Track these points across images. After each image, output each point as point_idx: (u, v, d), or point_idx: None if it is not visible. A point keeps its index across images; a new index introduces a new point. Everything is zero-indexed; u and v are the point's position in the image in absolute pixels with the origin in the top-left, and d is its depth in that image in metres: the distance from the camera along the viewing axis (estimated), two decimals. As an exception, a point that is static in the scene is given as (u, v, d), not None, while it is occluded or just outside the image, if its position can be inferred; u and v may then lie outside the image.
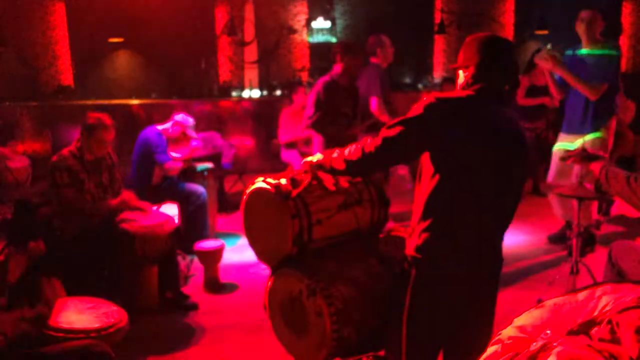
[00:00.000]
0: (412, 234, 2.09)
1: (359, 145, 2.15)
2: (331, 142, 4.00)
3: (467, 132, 1.98)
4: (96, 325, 2.60)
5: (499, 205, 2.09)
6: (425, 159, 2.07)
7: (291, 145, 6.25)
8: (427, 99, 2.03)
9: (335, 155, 2.27)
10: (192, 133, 4.85)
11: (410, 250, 2.09)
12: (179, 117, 4.82)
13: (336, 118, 4.46)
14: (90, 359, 2.31)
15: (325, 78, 4.58)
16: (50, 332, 2.49)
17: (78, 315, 2.68)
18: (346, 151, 2.21)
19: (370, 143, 2.10)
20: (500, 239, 2.15)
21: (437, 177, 2.00)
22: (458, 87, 2.14)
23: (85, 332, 2.53)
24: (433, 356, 2.20)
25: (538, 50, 6.52)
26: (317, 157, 2.39)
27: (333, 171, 2.30)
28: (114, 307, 2.80)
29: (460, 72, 2.13)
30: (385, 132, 2.06)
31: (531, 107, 6.32)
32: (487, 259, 2.12)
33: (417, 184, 2.12)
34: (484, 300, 2.15)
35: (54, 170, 3.66)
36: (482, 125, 2.01)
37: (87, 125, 3.72)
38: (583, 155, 2.68)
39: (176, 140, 4.84)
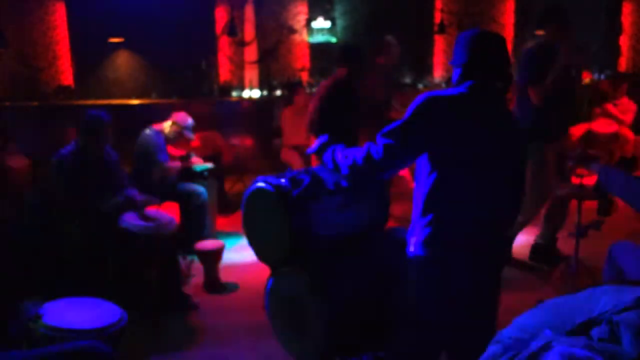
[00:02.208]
0: (413, 231, 2.10)
1: (363, 154, 2.09)
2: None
3: (460, 129, 1.99)
4: (96, 325, 2.59)
5: (498, 198, 2.10)
6: (422, 158, 2.07)
7: (295, 147, 6.25)
8: (419, 99, 2.02)
9: (339, 156, 2.22)
10: (190, 134, 4.84)
11: (411, 247, 2.10)
12: (178, 116, 4.80)
13: (339, 123, 4.45)
14: (91, 359, 2.31)
15: (329, 82, 4.56)
16: (50, 331, 2.49)
17: (78, 315, 2.67)
18: (350, 159, 2.14)
19: (372, 152, 2.05)
20: (504, 230, 2.15)
21: (434, 174, 2.01)
22: (453, 83, 2.15)
23: (85, 332, 2.52)
24: (435, 355, 2.20)
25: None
26: (322, 146, 2.32)
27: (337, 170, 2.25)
28: (114, 307, 2.80)
29: (455, 68, 2.14)
30: (384, 140, 2.03)
31: None
32: (489, 253, 2.12)
33: (416, 183, 2.12)
34: (486, 295, 2.15)
35: (53, 170, 3.66)
36: (475, 121, 2.02)
37: (87, 124, 3.72)
38: (583, 157, 2.67)
39: (173, 139, 4.84)
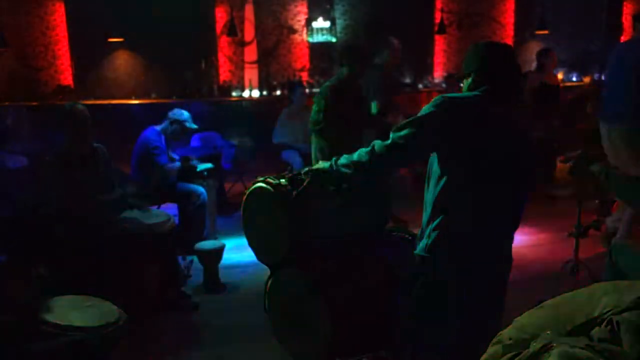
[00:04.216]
0: (422, 235, 2.10)
1: (369, 148, 2.13)
2: (335, 148, 3.98)
3: (474, 130, 2.00)
4: (95, 324, 2.59)
5: (506, 203, 2.10)
6: (433, 162, 2.08)
7: (290, 145, 6.25)
8: (436, 98, 2.04)
9: (343, 160, 2.23)
10: (192, 125, 4.83)
11: (419, 251, 2.10)
12: (173, 114, 4.77)
13: (342, 124, 4.45)
14: (89, 358, 2.31)
15: (332, 82, 4.55)
16: (50, 329, 2.48)
17: (77, 313, 2.67)
18: (355, 155, 2.17)
19: (380, 145, 2.08)
20: (509, 236, 2.16)
21: (444, 177, 2.01)
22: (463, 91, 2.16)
23: (84, 331, 2.52)
24: (439, 356, 2.20)
25: (545, 50, 6.52)
26: (321, 164, 2.37)
27: (341, 175, 2.25)
28: (114, 307, 2.80)
29: (465, 80, 2.17)
30: (395, 133, 2.06)
31: (541, 106, 6.27)
32: (496, 257, 2.13)
33: (426, 187, 2.13)
34: (492, 299, 2.15)
35: (47, 169, 3.64)
36: (489, 124, 2.04)
37: (61, 119, 3.68)
38: (584, 157, 2.67)
39: (177, 136, 4.84)
